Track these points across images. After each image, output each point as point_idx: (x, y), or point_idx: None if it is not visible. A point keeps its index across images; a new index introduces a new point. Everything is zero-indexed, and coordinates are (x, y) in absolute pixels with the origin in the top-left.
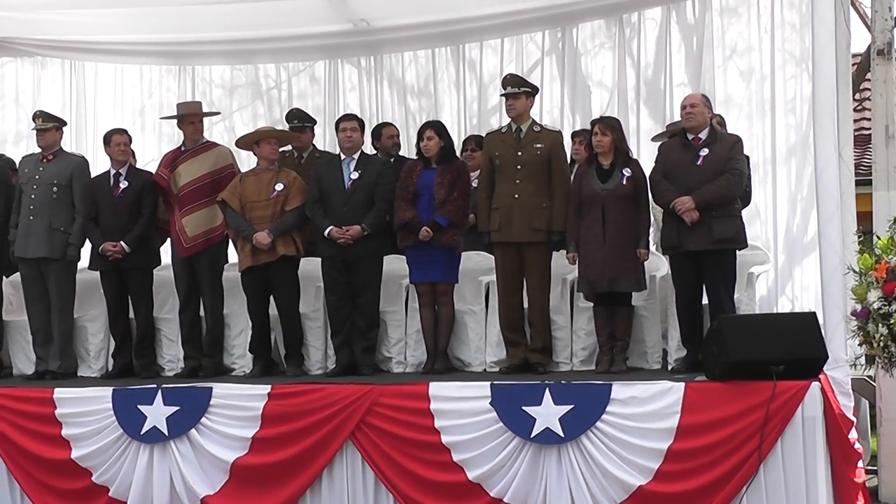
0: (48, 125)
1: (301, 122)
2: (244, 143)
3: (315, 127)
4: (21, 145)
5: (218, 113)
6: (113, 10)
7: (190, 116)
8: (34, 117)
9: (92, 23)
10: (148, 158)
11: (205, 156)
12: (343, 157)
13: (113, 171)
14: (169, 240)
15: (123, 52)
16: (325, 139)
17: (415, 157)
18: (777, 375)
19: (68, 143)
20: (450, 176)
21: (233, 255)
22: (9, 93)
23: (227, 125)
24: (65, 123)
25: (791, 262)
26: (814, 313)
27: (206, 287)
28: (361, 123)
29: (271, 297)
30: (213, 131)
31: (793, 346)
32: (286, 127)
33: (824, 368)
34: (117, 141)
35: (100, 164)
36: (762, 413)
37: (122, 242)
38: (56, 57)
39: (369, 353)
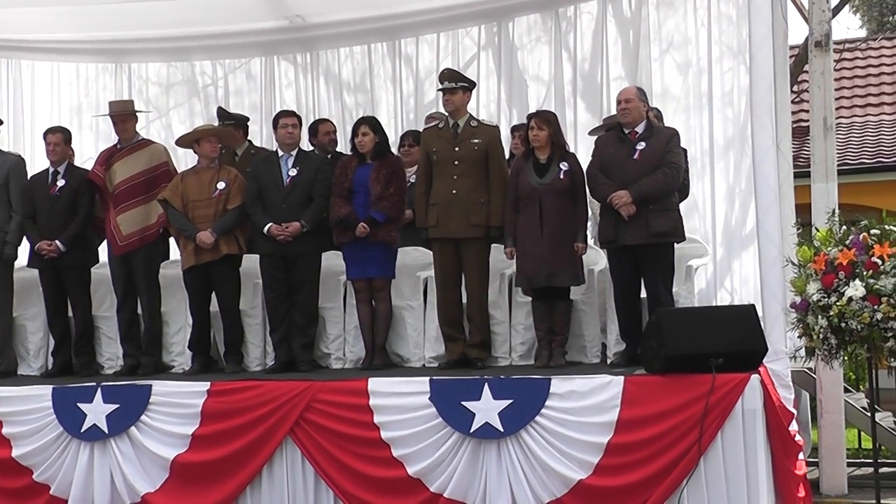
0: None
1: (226, 120)
2: (184, 141)
3: (250, 123)
4: None
5: (150, 111)
6: (48, 9)
7: (122, 115)
8: None
9: (27, 21)
10: (86, 156)
11: (140, 153)
12: (281, 153)
13: (51, 170)
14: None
15: (59, 50)
16: (261, 136)
17: (350, 152)
18: (716, 368)
19: (6, 143)
20: (385, 171)
21: (174, 253)
22: None
23: (164, 122)
24: (1, 122)
25: (730, 254)
26: (753, 306)
27: (142, 285)
28: (300, 120)
29: (212, 294)
30: (150, 129)
31: (732, 339)
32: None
33: (764, 361)
34: (49, 140)
35: (38, 163)
36: (702, 406)
37: (57, 241)
38: None
39: (308, 350)
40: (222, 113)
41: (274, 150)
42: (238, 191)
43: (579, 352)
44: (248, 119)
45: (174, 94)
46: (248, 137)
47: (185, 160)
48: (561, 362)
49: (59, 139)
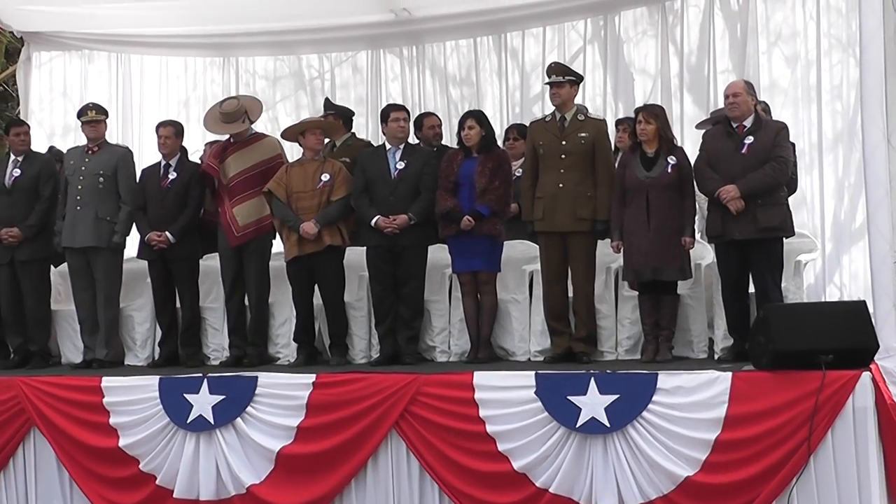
0: (101, 117)
1: (328, 110)
2: (289, 134)
3: (356, 117)
4: (69, 138)
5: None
6: (158, 3)
7: (234, 125)
8: (88, 109)
9: (137, 16)
10: (192, 150)
11: (253, 147)
12: (388, 146)
13: (163, 163)
14: (218, 229)
15: (168, 44)
16: (367, 129)
17: (456, 146)
18: (826, 365)
19: (115, 136)
20: (490, 165)
21: (278, 245)
22: (57, 86)
23: (271, 115)
24: (107, 115)
25: (839, 249)
26: (863, 301)
27: (252, 276)
28: (408, 113)
29: (316, 287)
30: (258, 121)
31: (842, 336)
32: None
33: (875, 358)
34: (160, 133)
35: (145, 156)
36: (811, 403)
37: (167, 232)
38: (103, 50)
39: (413, 343)
40: (328, 104)
41: (381, 143)
42: (342, 183)
43: (686, 347)
44: (352, 112)
45: (281, 87)
46: (353, 130)
47: (291, 153)
48: (668, 357)
49: (170, 132)
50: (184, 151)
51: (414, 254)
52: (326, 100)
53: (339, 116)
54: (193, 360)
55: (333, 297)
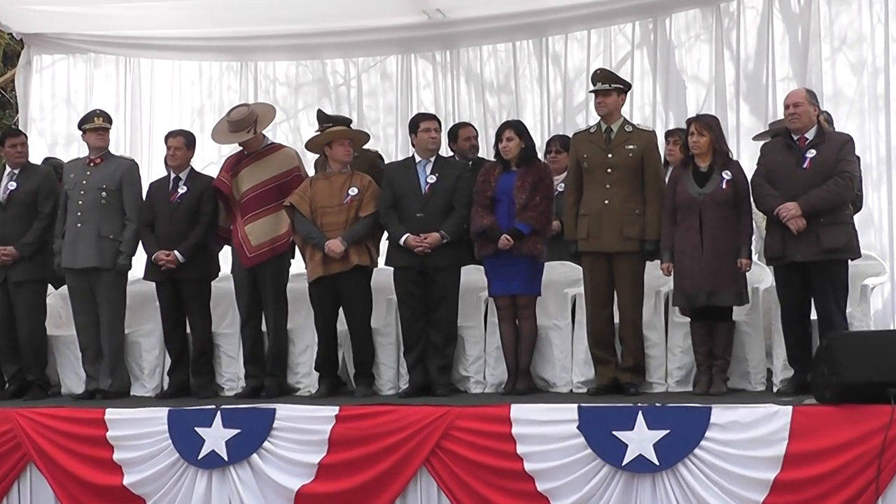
0: (107, 125)
1: (324, 123)
2: (314, 144)
3: (385, 126)
4: (72, 148)
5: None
6: (170, 3)
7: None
8: (94, 116)
9: (148, 17)
10: (207, 161)
11: (269, 159)
12: (419, 159)
13: (172, 176)
14: (230, 250)
15: (181, 47)
16: (397, 139)
17: (493, 158)
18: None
19: (123, 146)
20: (531, 179)
21: (296, 266)
22: (60, 92)
23: (292, 125)
24: (111, 123)
25: None
26: None
27: (269, 300)
28: (440, 123)
29: (340, 311)
30: (278, 131)
31: None
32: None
33: None
34: (170, 144)
35: (155, 167)
36: (879, 440)
37: (175, 252)
38: (110, 54)
39: (445, 372)
40: (322, 115)
41: (411, 154)
42: (371, 198)
43: (742, 378)
44: (350, 121)
45: (303, 94)
46: (372, 140)
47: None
48: (722, 389)
49: (180, 143)
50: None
51: (446, 275)
52: (319, 111)
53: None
54: (206, 391)
55: (360, 323)
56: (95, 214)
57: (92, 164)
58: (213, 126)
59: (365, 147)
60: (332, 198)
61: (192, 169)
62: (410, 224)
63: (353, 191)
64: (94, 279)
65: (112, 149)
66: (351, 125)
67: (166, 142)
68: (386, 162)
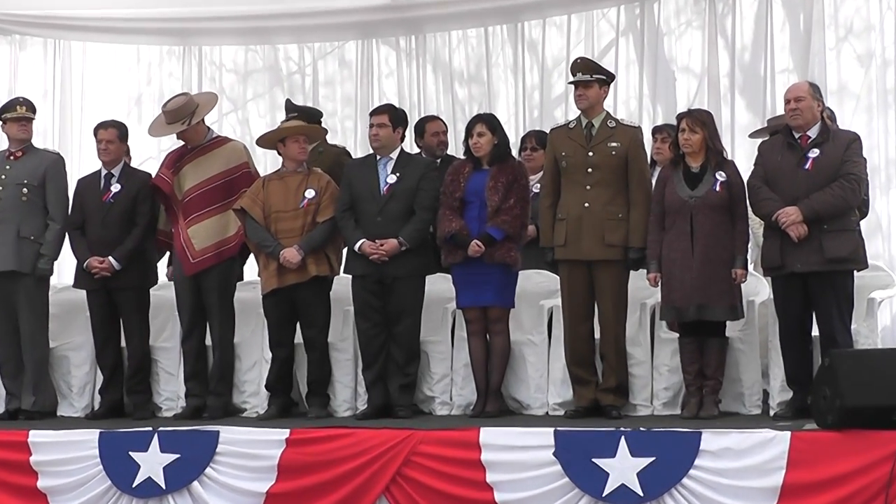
0: (31, 115)
1: (291, 114)
2: (266, 141)
3: (343, 119)
4: None
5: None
6: None
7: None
8: (16, 104)
9: None
10: (146, 156)
11: (214, 153)
12: (379, 156)
13: (103, 173)
14: (171, 255)
15: (117, 29)
16: (356, 134)
17: (463, 156)
18: None
19: (51, 138)
20: (504, 179)
21: (247, 272)
22: None
23: (241, 116)
24: (34, 113)
25: None
26: None
27: (214, 310)
28: (398, 116)
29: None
30: (224, 123)
31: None
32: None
33: None
34: (100, 137)
35: (87, 163)
36: (886, 470)
37: (110, 258)
38: (37, 36)
39: (408, 392)
40: (290, 105)
41: (372, 152)
42: (331, 201)
43: (736, 400)
44: (320, 114)
45: (253, 82)
46: (329, 134)
47: (265, 161)
48: (713, 412)
49: (112, 135)
50: (128, 159)
51: (408, 285)
52: (288, 101)
53: (305, 120)
54: (142, 411)
55: (317, 338)
56: (15, 213)
57: (12, 158)
58: (152, 117)
59: (331, 143)
60: (286, 201)
61: (126, 164)
62: (368, 228)
63: (310, 193)
64: (12, 284)
65: (39, 141)
66: (322, 119)
67: (96, 134)
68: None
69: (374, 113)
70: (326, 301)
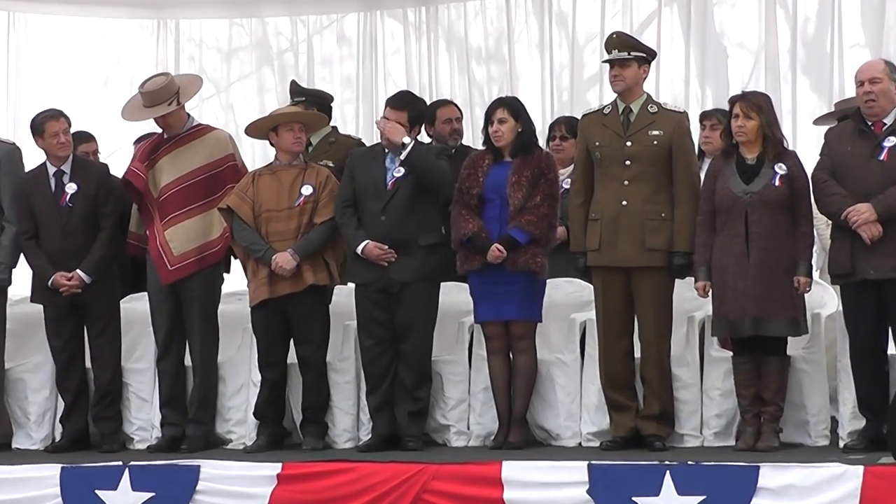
0: None
1: (298, 97)
2: (256, 129)
3: (344, 103)
4: None
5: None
6: None
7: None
8: None
9: None
10: (115, 147)
11: (195, 144)
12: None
13: (52, 170)
14: (147, 261)
15: (81, 1)
16: (357, 121)
17: (481, 146)
18: None
19: (4, 126)
20: (529, 173)
21: (233, 283)
22: None
23: (224, 101)
24: None
25: None
26: None
27: (195, 325)
28: (417, 114)
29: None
30: (205, 109)
31: None
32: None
33: None
34: (54, 129)
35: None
36: None
37: (78, 271)
38: None
39: (418, 420)
40: (296, 88)
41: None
42: (331, 199)
43: (799, 429)
44: (331, 98)
45: (238, 62)
46: (334, 122)
47: (253, 153)
48: (773, 444)
49: (66, 126)
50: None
51: (417, 295)
52: (293, 83)
53: (312, 104)
54: (110, 443)
55: (314, 357)
56: None
57: None
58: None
59: (345, 133)
60: (279, 198)
61: (76, 157)
62: (372, 228)
63: (307, 189)
64: None
65: None
66: (331, 103)
67: (43, 128)
68: None
69: (392, 106)
70: (324, 314)
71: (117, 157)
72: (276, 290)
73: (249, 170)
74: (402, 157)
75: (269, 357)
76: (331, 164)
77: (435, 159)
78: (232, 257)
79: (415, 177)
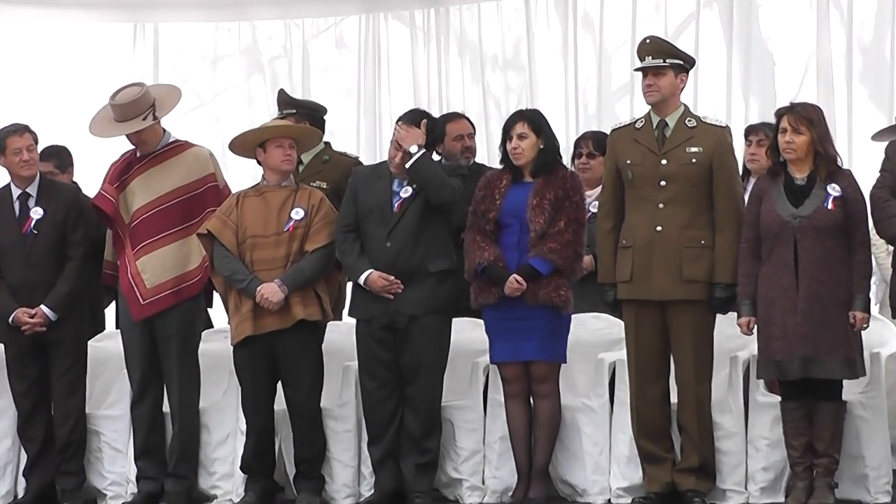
0: None
1: (287, 109)
2: (242, 145)
3: (342, 116)
4: None
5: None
6: None
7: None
8: None
9: None
10: (86, 164)
11: (172, 163)
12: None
13: (16, 192)
14: (118, 295)
15: (49, 2)
16: (358, 136)
17: (498, 165)
18: None
19: None
20: (552, 195)
21: (218, 319)
22: None
23: (209, 114)
24: None
25: None
26: None
27: (173, 367)
28: (433, 136)
29: (278, 385)
30: (186, 123)
31: None
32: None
33: None
34: (17, 145)
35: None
36: None
37: (43, 307)
38: None
39: (427, 473)
40: (284, 98)
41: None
42: (324, 224)
43: (857, 484)
44: (324, 111)
45: (224, 70)
46: (331, 137)
47: (239, 172)
48: (828, 500)
49: (31, 141)
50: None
51: (426, 330)
52: (282, 93)
53: (304, 118)
54: (76, 498)
55: (305, 402)
56: None
57: None
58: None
59: (340, 151)
60: (266, 223)
61: (43, 178)
62: (376, 256)
63: (297, 213)
64: None
65: None
66: (324, 116)
67: (9, 144)
68: None
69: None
70: (316, 354)
71: (89, 174)
72: (261, 325)
73: (233, 191)
74: (408, 165)
75: (256, 402)
76: (324, 186)
77: (444, 173)
78: (214, 290)
79: (422, 194)
